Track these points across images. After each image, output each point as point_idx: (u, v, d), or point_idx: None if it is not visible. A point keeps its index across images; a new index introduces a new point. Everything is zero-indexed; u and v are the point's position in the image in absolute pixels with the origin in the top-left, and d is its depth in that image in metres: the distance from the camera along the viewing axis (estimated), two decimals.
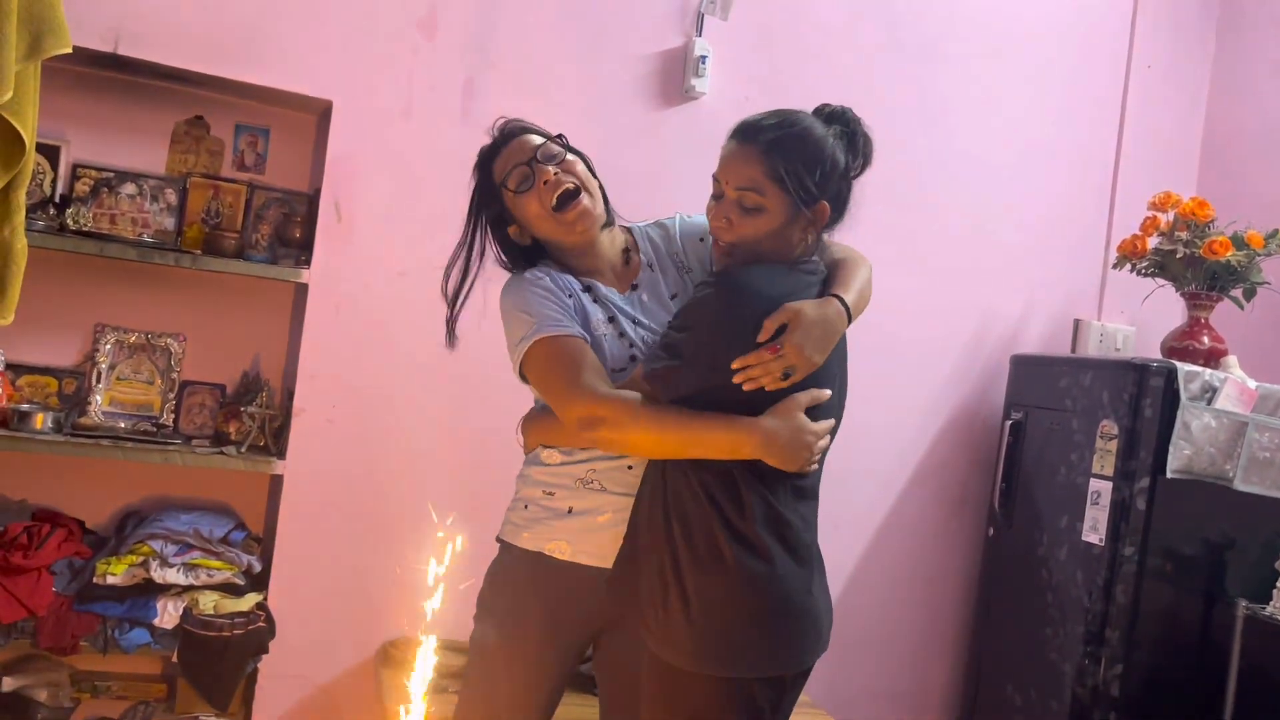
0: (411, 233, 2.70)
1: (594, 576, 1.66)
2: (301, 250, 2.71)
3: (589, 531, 1.66)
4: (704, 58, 2.88)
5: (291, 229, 2.73)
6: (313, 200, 2.76)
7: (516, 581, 1.71)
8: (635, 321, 1.71)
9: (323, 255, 2.65)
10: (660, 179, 2.94)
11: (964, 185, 3.26)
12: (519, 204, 1.69)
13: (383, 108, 2.70)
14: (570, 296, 1.68)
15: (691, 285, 1.76)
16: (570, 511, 1.67)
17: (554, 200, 1.66)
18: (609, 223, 1.76)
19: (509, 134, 1.74)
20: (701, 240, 1.82)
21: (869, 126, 1.64)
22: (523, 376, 1.68)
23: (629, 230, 1.83)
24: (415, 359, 2.65)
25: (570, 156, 1.72)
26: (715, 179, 1.60)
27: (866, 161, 1.63)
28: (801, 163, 1.54)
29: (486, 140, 1.77)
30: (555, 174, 1.67)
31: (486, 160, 1.75)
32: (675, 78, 2.94)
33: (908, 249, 3.11)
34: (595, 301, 1.70)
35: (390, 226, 2.72)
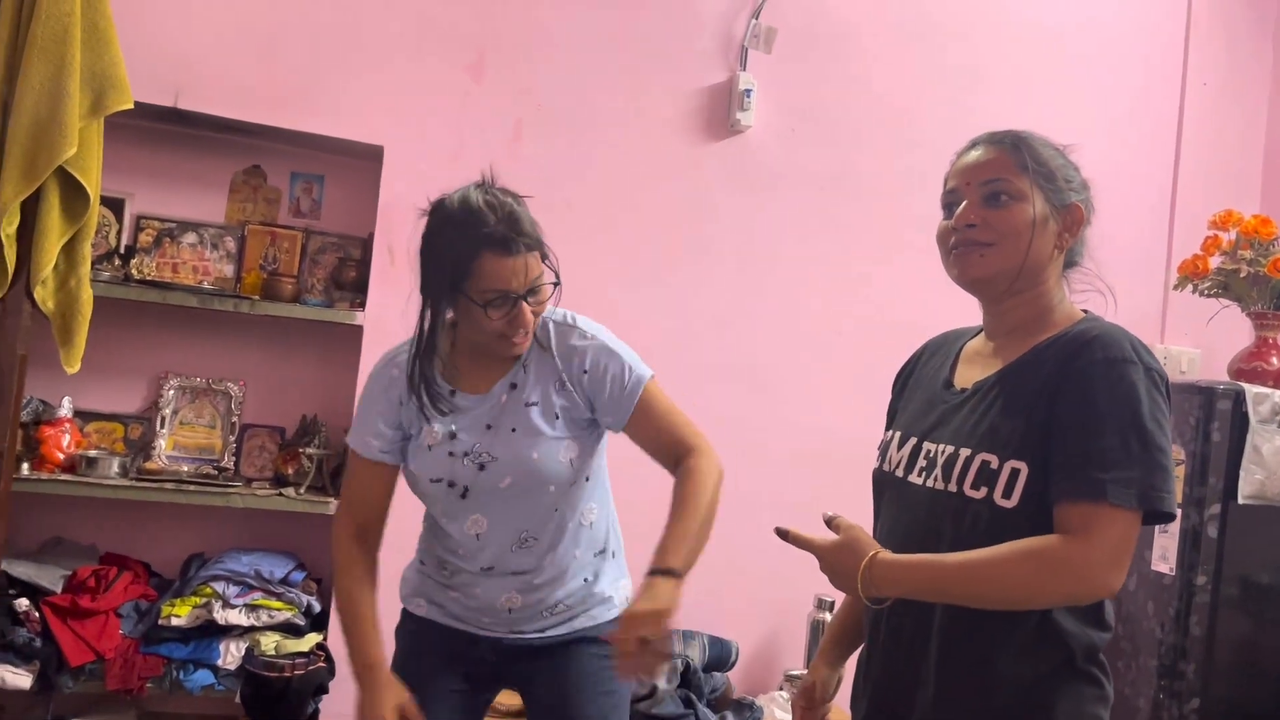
0: None
1: None
2: (356, 293, 2.76)
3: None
4: (748, 91, 2.89)
5: (346, 272, 2.79)
6: (366, 244, 2.81)
7: None
8: (486, 427, 1.65)
9: (377, 297, 2.69)
10: (706, 212, 2.96)
11: None
12: (475, 314, 1.58)
13: (433, 151, 2.75)
14: (401, 405, 1.68)
15: (566, 397, 1.67)
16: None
17: (511, 333, 1.60)
18: None
19: (508, 242, 1.54)
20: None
21: None
22: None
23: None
24: None
25: (548, 287, 1.61)
26: (949, 192, 1.42)
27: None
28: (1048, 158, 1.39)
29: (509, 181, 1.65)
30: (532, 315, 1.60)
31: (470, 241, 1.55)
32: (720, 112, 2.95)
33: None
34: (445, 412, 1.66)
35: None
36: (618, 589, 1.80)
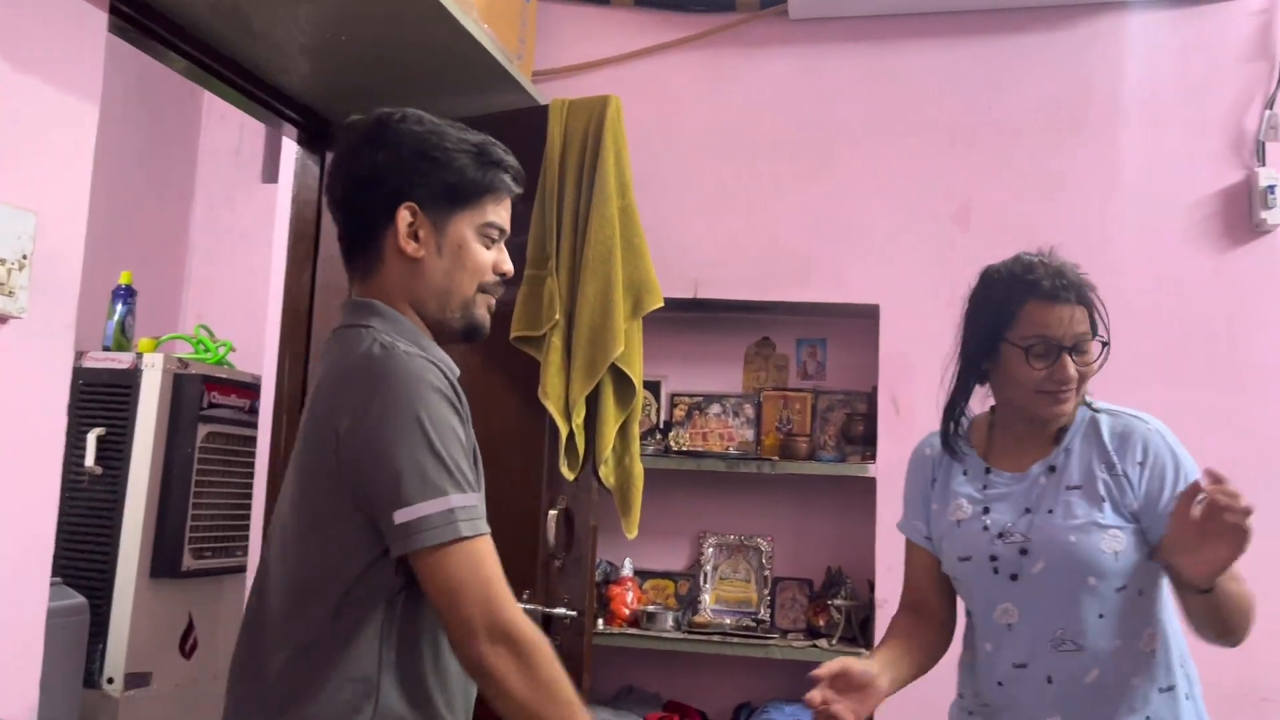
0: None
1: None
2: (866, 445, 2.87)
3: None
4: (1272, 187, 2.61)
5: (855, 427, 2.92)
6: (871, 397, 2.93)
7: None
8: (1025, 510, 1.62)
9: (886, 448, 2.78)
10: (1238, 322, 2.68)
11: None
12: (1016, 364, 1.58)
13: (927, 300, 2.81)
14: (934, 481, 1.73)
15: (1116, 482, 1.59)
16: None
17: (1053, 389, 1.58)
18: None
19: (1060, 294, 1.57)
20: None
21: None
22: None
23: (1091, 409, 1.67)
24: None
25: (1095, 352, 1.59)
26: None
27: None
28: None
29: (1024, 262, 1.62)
30: (1076, 372, 1.57)
31: (1016, 289, 1.59)
32: (1240, 213, 2.69)
33: None
34: (970, 481, 1.69)
35: None
36: None
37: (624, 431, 2.59)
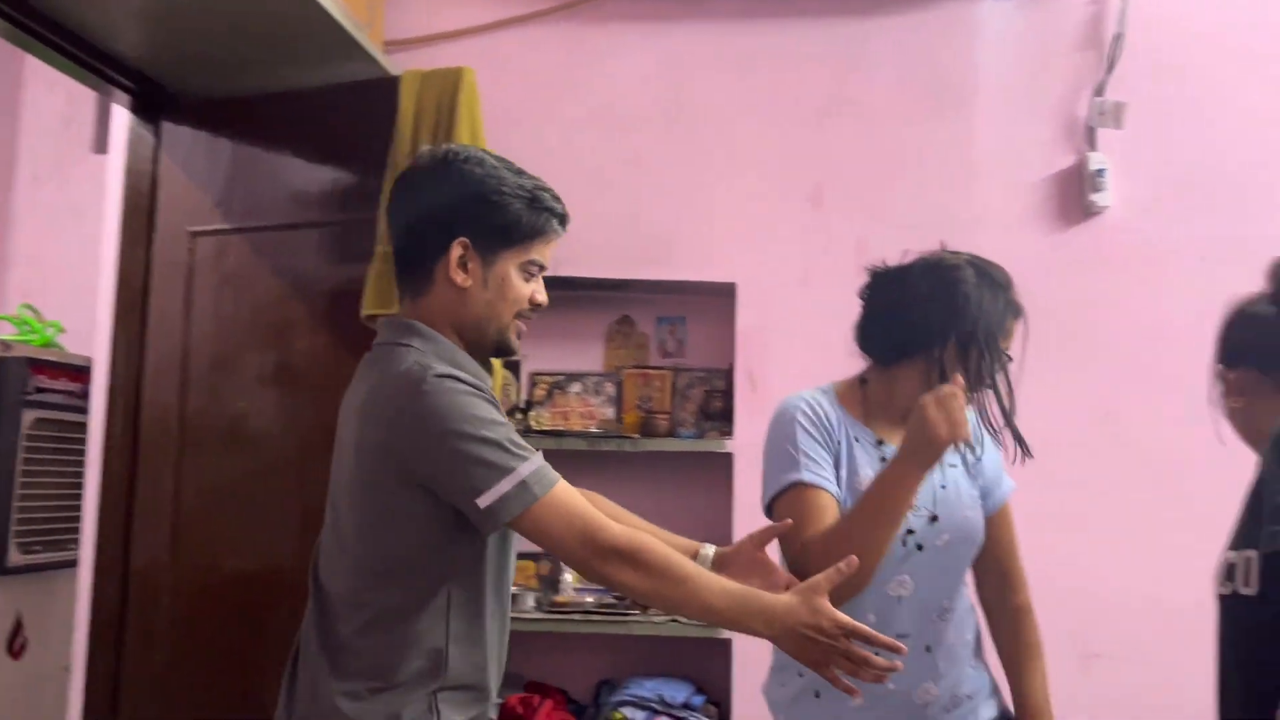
0: None
1: None
2: (724, 422, 2.91)
3: None
4: (1101, 171, 2.76)
5: (713, 403, 2.96)
6: (728, 374, 2.97)
7: None
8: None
9: (743, 424, 2.82)
10: (1076, 299, 2.82)
11: None
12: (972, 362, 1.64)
13: (781, 280, 2.87)
14: (839, 443, 1.65)
15: (974, 464, 1.72)
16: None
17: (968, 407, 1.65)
18: None
19: (1021, 310, 1.72)
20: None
21: None
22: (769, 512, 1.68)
23: None
24: None
25: None
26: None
27: None
28: None
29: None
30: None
31: (1011, 305, 1.69)
32: (1073, 196, 2.84)
33: None
34: (863, 452, 1.66)
35: (800, 389, 2.83)
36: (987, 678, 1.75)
37: None
